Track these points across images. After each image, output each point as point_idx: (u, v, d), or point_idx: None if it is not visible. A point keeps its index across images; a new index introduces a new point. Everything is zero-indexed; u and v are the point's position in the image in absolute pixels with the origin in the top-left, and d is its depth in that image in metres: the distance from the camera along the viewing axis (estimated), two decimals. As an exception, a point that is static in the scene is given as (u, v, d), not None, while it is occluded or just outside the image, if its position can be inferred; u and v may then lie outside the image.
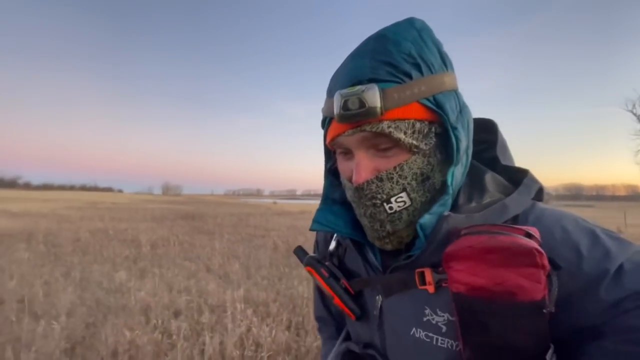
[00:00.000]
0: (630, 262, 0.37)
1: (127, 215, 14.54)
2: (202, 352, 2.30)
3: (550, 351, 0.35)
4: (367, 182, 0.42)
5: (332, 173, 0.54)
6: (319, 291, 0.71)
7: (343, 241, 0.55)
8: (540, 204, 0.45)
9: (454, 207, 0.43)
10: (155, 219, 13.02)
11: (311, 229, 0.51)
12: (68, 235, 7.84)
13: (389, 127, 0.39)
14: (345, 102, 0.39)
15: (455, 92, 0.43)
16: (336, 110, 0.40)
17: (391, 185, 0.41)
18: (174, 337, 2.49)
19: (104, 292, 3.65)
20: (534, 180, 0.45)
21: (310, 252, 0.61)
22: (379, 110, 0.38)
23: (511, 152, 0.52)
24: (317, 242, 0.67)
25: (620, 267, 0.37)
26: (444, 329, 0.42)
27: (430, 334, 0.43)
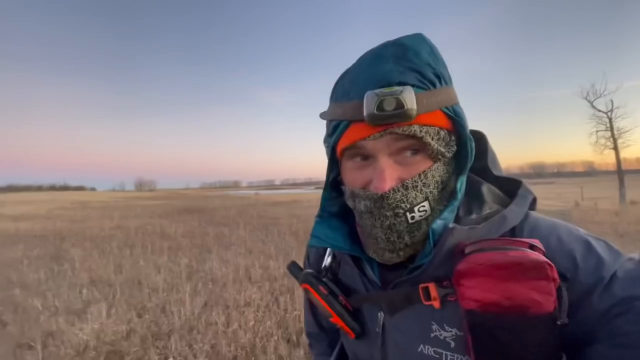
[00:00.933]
0: (623, 270, 0.37)
1: (131, 213, 14.83)
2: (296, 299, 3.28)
3: None
4: (393, 190, 0.40)
5: (331, 185, 0.52)
6: (310, 306, 0.69)
7: (339, 256, 0.53)
8: (533, 214, 0.45)
9: (456, 219, 0.43)
10: (161, 215, 13.48)
11: (310, 245, 0.51)
12: (94, 233, 8.34)
13: (420, 130, 0.39)
14: (381, 102, 0.37)
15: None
16: (368, 110, 0.37)
17: (415, 194, 0.40)
18: (276, 293, 3.50)
19: (198, 274, 4.47)
20: (528, 191, 0.45)
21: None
22: (414, 112, 0.37)
23: (499, 163, 0.52)
24: (308, 256, 0.65)
25: (614, 274, 0.37)
26: (453, 344, 0.41)
27: (440, 350, 0.42)
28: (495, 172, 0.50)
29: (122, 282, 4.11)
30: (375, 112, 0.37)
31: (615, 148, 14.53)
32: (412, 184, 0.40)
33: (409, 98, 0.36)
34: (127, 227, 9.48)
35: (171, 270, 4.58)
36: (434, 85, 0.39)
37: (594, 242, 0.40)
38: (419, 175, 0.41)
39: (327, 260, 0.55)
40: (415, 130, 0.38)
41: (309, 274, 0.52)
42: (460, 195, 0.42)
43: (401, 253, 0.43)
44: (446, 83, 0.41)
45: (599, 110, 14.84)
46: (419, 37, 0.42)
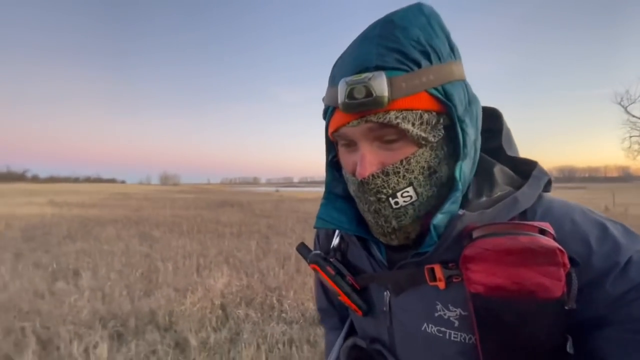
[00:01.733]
0: (639, 254, 0.36)
1: (175, 204, 16.22)
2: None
3: (569, 343, 0.35)
4: (372, 175, 0.40)
5: (333, 166, 0.52)
6: (320, 284, 0.70)
7: (347, 237, 0.53)
8: (547, 195, 0.44)
9: (464, 202, 0.42)
10: (204, 207, 14.74)
11: (315, 227, 0.51)
12: (159, 220, 9.52)
13: (396, 117, 0.37)
14: (351, 91, 0.37)
15: (464, 83, 0.42)
16: (340, 99, 0.38)
17: (397, 180, 0.40)
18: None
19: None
20: (543, 172, 0.44)
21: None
22: (386, 99, 0.36)
23: (515, 142, 0.51)
24: (317, 237, 0.66)
25: (629, 259, 0.36)
26: (457, 323, 0.41)
27: (443, 329, 0.42)
28: (510, 153, 0.48)
29: (215, 255, 5.10)
30: (346, 100, 0.37)
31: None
32: (394, 169, 0.40)
33: (379, 85, 0.36)
34: (184, 216, 10.67)
35: (248, 250, 5.54)
36: (419, 65, 0.38)
37: (611, 226, 0.39)
38: (401, 161, 0.40)
39: (336, 241, 0.55)
40: (390, 118, 0.37)
41: (317, 254, 0.53)
42: (461, 185, 0.40)
43: (393, 237, 0.43)
44: (440, 59, 0.39)
45: (633, 116, 14.74)
46: (415, 9, 0.40)
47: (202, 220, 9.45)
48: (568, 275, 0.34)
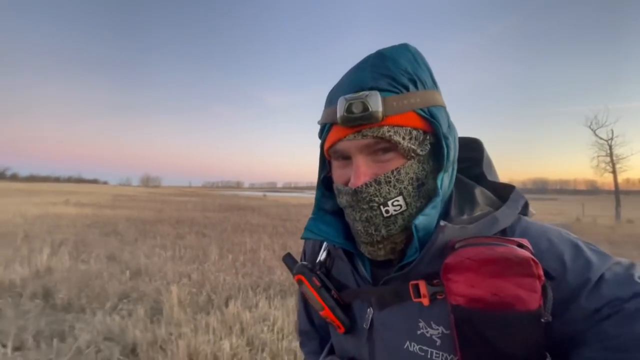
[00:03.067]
0: (610, 272, 0.38)
1: (185, 207, 16.80)
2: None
3: None
4: (366, 184, 0.42)
5: (323, 184, 0.54)
6: (303, 303, 0.69)
7: (334, 251, 0.54)
8: (525, 218, 0.46)
9: (447, 219, 0.44)
10: (221, 210, 15.49)
11: (303, 237, 0.51)
12: (190, 220, 10.32)
13: (389, 131, 0.41)
14: (350, 106, 0.40)
15: (444, 109, 0.46)
16: (339, 113, 0.41)
17: (388, 189, 0.42)
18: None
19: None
20: (520, 196, 0.47)
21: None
22: (380, 114, 0.40)
23: (495, 169, 0.54)
24: (304, 252, 0.66)
25: (601, 276, 0.38)
26: (439, 342, 0.41)
27: (425, 347, 0.42)
28: (490, 178, 0.52)
29: (281, 247, 6.11)
30: (344, 114, 0.41)
31: (614, 172, 16.44)
32: (385, 179, 0.42)
33: (374, 101, 0.39)
34: (213, 218, 11.42)
35: (300, 244, 6.55)
36: (407, 89, 0.42)
37: (583, 246, 0.41)
38: (392, 171, 0.42)
39: (322, 255, 0.56)
40: (383, 132, 0.41)
41: (303, 265, 0.53)
42: (441, 191, 0.42)
43: (380, 246, 0.45)
44: (425, 87, 0.43)
45: (601, 138, 16.76)
46: (402, 47, 0.45)
47: (234, 222, 10.32)
48: (543, 288, 0.35)
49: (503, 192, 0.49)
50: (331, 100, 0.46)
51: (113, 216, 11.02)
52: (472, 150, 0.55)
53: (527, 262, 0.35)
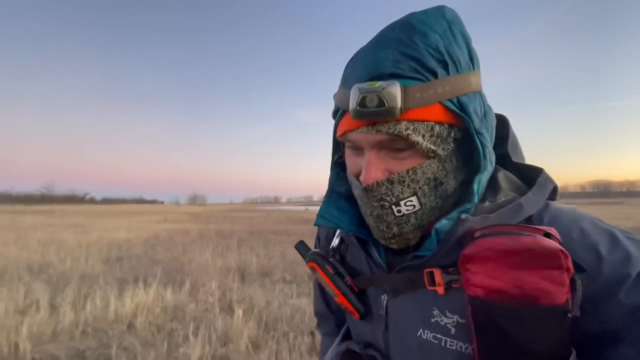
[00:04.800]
0: None
1: (260, 221, 19.03)
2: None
3: (572, 356, 0.33)
4: (377, 183, 0.39)
5: (338, 165, 0.51)
6: (319, 287, 0.68)
7: (347, 238, 0.51)
8: (554, 204, 0.42)
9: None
10: (290, 222, 17.42)
11: (316, 224, 0.49)
12: (288, 231, 12.14)
13: (406, 128, 0.36)
14: (363, 99, 0.35)
15: (480, 94, 0.40)
16: (352, 105, 0.36)
17: (402, 189, 0.39)
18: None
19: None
20: (548, 179, 0.43)
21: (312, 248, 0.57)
22: (398, 110, 0.35)
23: (522, 149, 0.49)
24: (318, 238, 0.64)
25: None
26: (453, 330, 0.40)
27: (439, 336, 0.41)
28: (515, 159, 0.47)
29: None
30: (357, 108, 0.36)
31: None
32: (399, 179, 0.39)
33: (392, 95, 0.34)
34: (293, 230, 13.21)
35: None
36: (435, 75, 0.36)
37: (621, 235, 0.38)
38: (407, 171, 0.39)
39: (335, 242, 0.54)
40: (400, 129, 0.36)
41: (315, 253, 0.52)
42: (477, 197, 0.39)
43: (393, 241, 0.42)
44: (457, 69, 0.37)
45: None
46: (436, 13, 0.38)
47: (312, 230, 11.92)
48: (572, 281, 0.32)
49: (529, 175, 0.44)
50: (346, 80, 0.41)
51: (215, 230, 13.28)
52: (497, 128, 0.47)
53: (555, 254, 0.32)
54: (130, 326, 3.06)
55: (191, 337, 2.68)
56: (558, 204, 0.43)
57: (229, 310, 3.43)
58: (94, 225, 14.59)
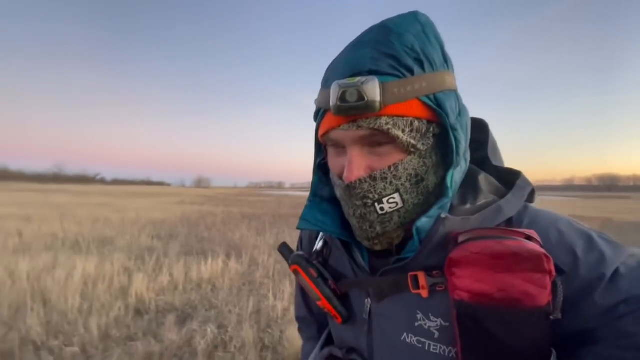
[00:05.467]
0: (626, 266, 0.36)
1: (274, 205, 19.63)
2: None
3: (552, 357, 0.34)
4: (360, 180, 0.39)
5: (321, 169, 0.51)
6: (301, 291, 0.68)
7: (330, 241, 0.51)
8: (532, 206, 0.44)
9: (449, 209, 0.41)
10: (299, 207, 17.97)
11: (298, 228, 0.48)
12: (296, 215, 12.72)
13: (387, 123, 0.37)
14: (343, 94, 0.36)
15: (455, 93, 0.41)
16: (333, 101, 0.37)
17: (384, 185, 0.39)
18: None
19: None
20: (526, 182, 0.44)
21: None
22: (378, 104, 0.35)
23: (501, 153, 0.51)
24: (301, 240, 0.64)
25: (616, 271, 0.36)
26: (437, 334, 0.40)
27: (422, 340, 0.41)
28: (495, 163, 0.48)
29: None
30: (338, 103, 0.36)
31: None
32: (381, 175, 0.39)
33: (372, 89, 0.35)
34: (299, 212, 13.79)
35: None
36: (412, 72, 0.37)
37: (596, 236, 0.39)
38: (389, 167, 0.39)
39: (319, 245, 0.53)
40: (380, 124, 0.37)
41: (299, 255, 0.51)
42: (451, 192, 0.39)
43: (376, 241, 0.42)
44: (433, 68, 0.38)
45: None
46: (410, 18, 0.40)
47: None
48: (553, 284, 0.33)
49: (508, 179, 0.45)
50: (327, 81, 0.42)
51: (239, 212, 13.90)
52: (476, 131, 0.48)
53: (539, 258, 0.33)
54: (214, 287, 3.72)
55: (270, 295, 3.32)
56: (535, 206, 0.44)
57: (288, 276, 4.07)
58: (123, 205, 15.38)
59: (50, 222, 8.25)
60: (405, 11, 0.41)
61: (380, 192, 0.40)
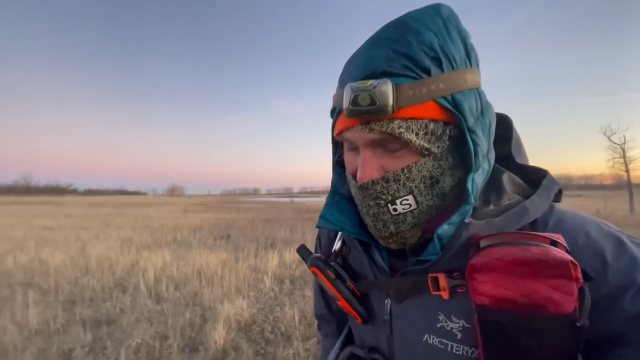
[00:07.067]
0: None
1: (270, 213, 20.85)
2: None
3: None
4: (372, 181, 0.39)
5: (340, 165, 0.50)
6: (319, 288, 0.67)
7: (349, 240, 0.51)
8: (558, 207, 0.42)
9: (472, 209, 0.39)
10: (297, 212, 19.40)
11: (317, 226, 0.48)
12: (304, 219, 14.12)
13: (399, 127, 0.36)
14: (355, 97, 0.35)
15: (477, 91, 0.39)
16: (345, 104, 0.37)
17: (397, 187, 0.39)
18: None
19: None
20: (553, 182, 0.42)
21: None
22: (390, 108, 0.35)
23: (525, 150, 0.48)
24: (319, 240, 0.63)
25: None
26: (459, 335, 0.39)
27: (445, 341, 0.40)
28: (519, 160, 0.46)
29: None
30: (350, 107, 0.36)
31: (627, 171, 19.27)
32: (394, 177, 0.38)
33: (384, 93, 0.34)
34: (298, 217, 15.04)
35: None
36: (428, 73, 0.36)
37: (627, 240, 0.36)
38: (402, 169, 0.38)
39: (337, 245, 0.52)
40: (393, 128, 0.36)
41: (317, 257, 0.50)
42: (473, 198, 0.37)
43: (391, 240, 0.42)
44: (452, 66, 0.37)
45: (614, 143, 19.54)
46: (431, 11, 0.38)
47: (314, 218, 13.92)
48: (580, 290, 0.32)
49: (533, 177, 0.43)
50: (342, 80, 0.41)
51: (236, 218, 14.93)
52: (499, 127, 0.46)
53: (565, 264, 0.31)
54: (293, 272, 4.75)
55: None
56: (562, 206, 0.42)
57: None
58: (142, 214, 16.10)
59: (110, 230, 9.22)
60: (397, 14, 0.40)
61: (393, 194, 0.39)
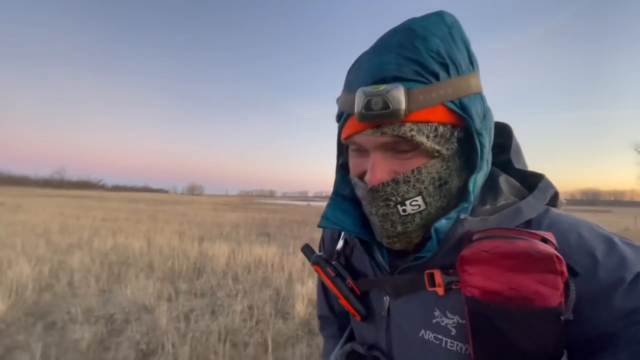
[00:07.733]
0: None
1: (291, 214, 21.56)
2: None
3: (564, 357, 0.33)
4: (382, 183, 0.40)
5: (343, 168, 0.52)
6: (322, 289, 0.69)
7: (351, 240, 0.52)
8: (554, 210, 0.42)
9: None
10: (316, 215, 20.00)
11: (319, 226, 0.49)
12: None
13: (411, 130, 0.37)
14: (368, 102, 0.36)
15: (480, 95, 0.40)
16: (357, 108, 0.37)
17: (407, 188, 0.39)
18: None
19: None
20: (549, 185, 0.43)
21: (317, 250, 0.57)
22: (403, 112, 0.35)
23: (524, 157, 0.49)
24: (323, 240, 0.65)
25: (637, 275, 0.34)
26: (454, 331, 0.40)
27: (440, 336, 0.41)
28: (517, 166, 0.47)
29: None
30: (363, 111, 0.37)
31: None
32: (404, 178, 0.39)
33: (397, 98, 0.35)
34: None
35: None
36: (437, 78, 0.37)
37: (618, 240, 0.38)
38: (412, 171, 0.39)
39: (340, 244, 0.55)
40: (404, 131, 0.37)
41: (319, 256, 0.53)
42: (473, 196, 0.39)
43: (396, 240, 0.43)
44: (458, 71, 0.38)
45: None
46: (436, 19, 0.38)
47: None
48: (566, 285, 0.33)
49: (530, 181, 0.45)
50: (349, 84, 0.42)
51: (266, 218, 15.53)
52: (499, 135, 0.48)
53: (550, 258, 0.32)
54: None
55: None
56: (557, 210, 0.43)
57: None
58: (179, 211, 17.16)
59: (159, 224, 10.18)
60: (402, 20, 0.40)
61: (403, 195, 0.40)
